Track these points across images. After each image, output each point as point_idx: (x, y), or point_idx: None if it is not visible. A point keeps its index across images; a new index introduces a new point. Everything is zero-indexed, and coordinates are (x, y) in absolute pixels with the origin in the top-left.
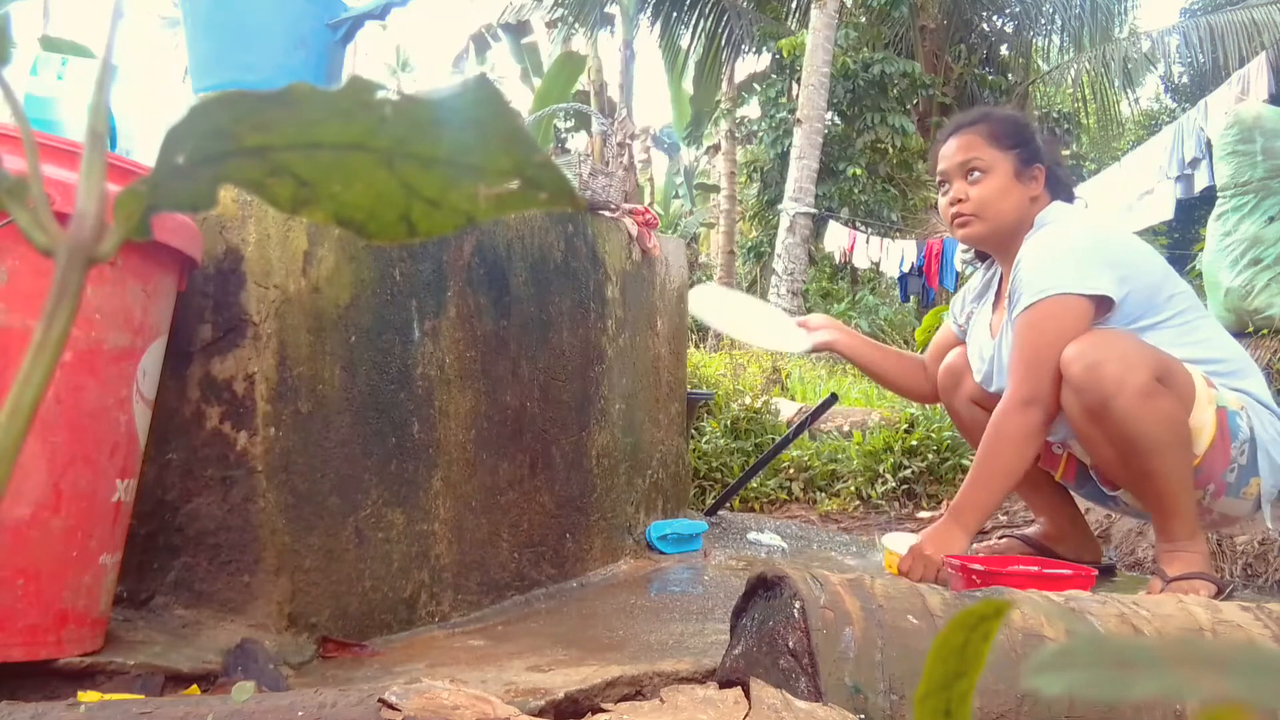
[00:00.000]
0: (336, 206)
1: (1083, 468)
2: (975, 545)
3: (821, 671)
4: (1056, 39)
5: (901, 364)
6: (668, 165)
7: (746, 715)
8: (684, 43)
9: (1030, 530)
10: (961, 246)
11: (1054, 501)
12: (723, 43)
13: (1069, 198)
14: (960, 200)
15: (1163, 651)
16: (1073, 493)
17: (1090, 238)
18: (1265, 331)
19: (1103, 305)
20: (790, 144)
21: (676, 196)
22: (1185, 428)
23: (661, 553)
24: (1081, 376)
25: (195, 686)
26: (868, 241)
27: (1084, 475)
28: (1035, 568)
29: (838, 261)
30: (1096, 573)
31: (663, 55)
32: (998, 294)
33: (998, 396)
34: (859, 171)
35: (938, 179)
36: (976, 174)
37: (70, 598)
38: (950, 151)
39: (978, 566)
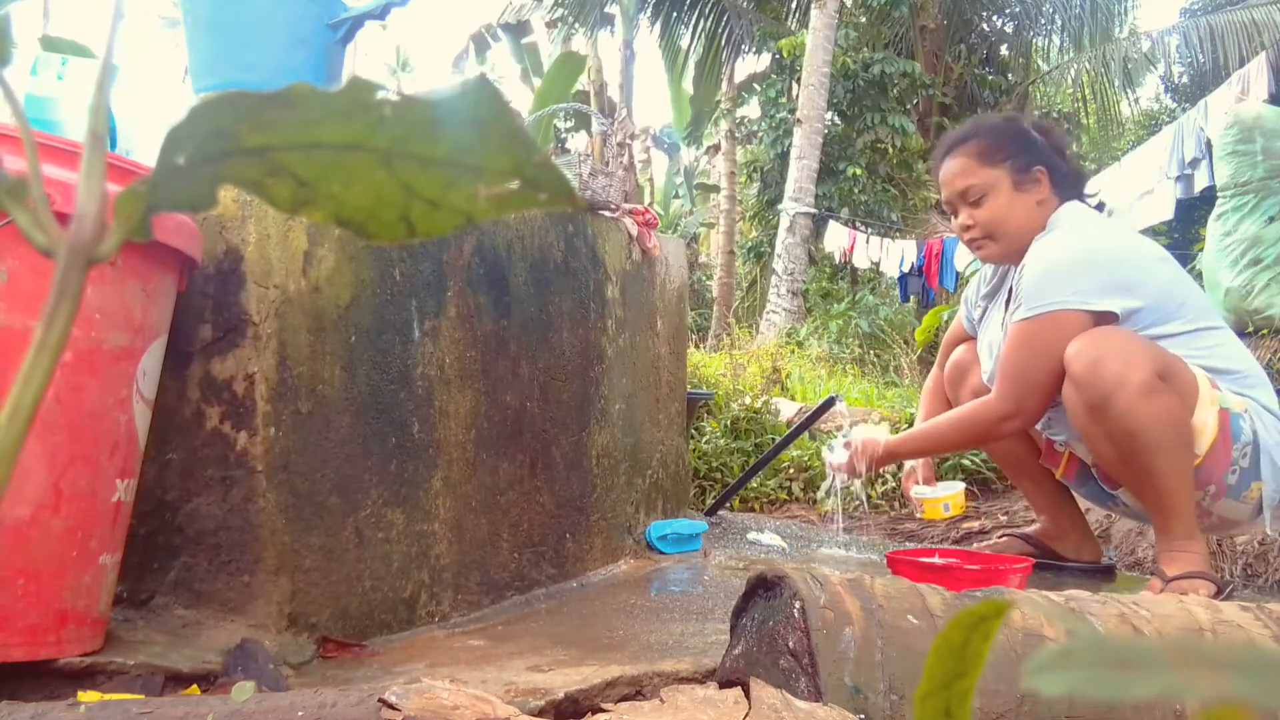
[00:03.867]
0: (336, 207)
1: (1084, 467)
2: (976, 545)
3: (821, 671)
4: (1056, 39)
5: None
6: (668, 165)
7: (746, 715)
8: (684, 43)
9: (1030, 529)
10: (966, 249)
11: (1055, 500)
12: (723, 43)
13: (1079, 193)
14: (969, 226)
15: (1163, 651)
16: (1073, 491)
17: (1098, 251)
18: (1265, 331)
19: (1106, 319)
20: (790, 144)
21: (676, 196)
22: (1186, 426)
23: (661, 553)
24: (1083, 373)
25: (195, 686)
26: (868, 241)
27: (1085, 474)
28: (955, 560)
29: (838, 261)
30: (1023, 568)
31: (663, 55)
32: (1010, 292)
33: None
34: (859, 171)
35: (944, 204)
36: (977, 197)
37: (70, 598)
38: (948, 178)
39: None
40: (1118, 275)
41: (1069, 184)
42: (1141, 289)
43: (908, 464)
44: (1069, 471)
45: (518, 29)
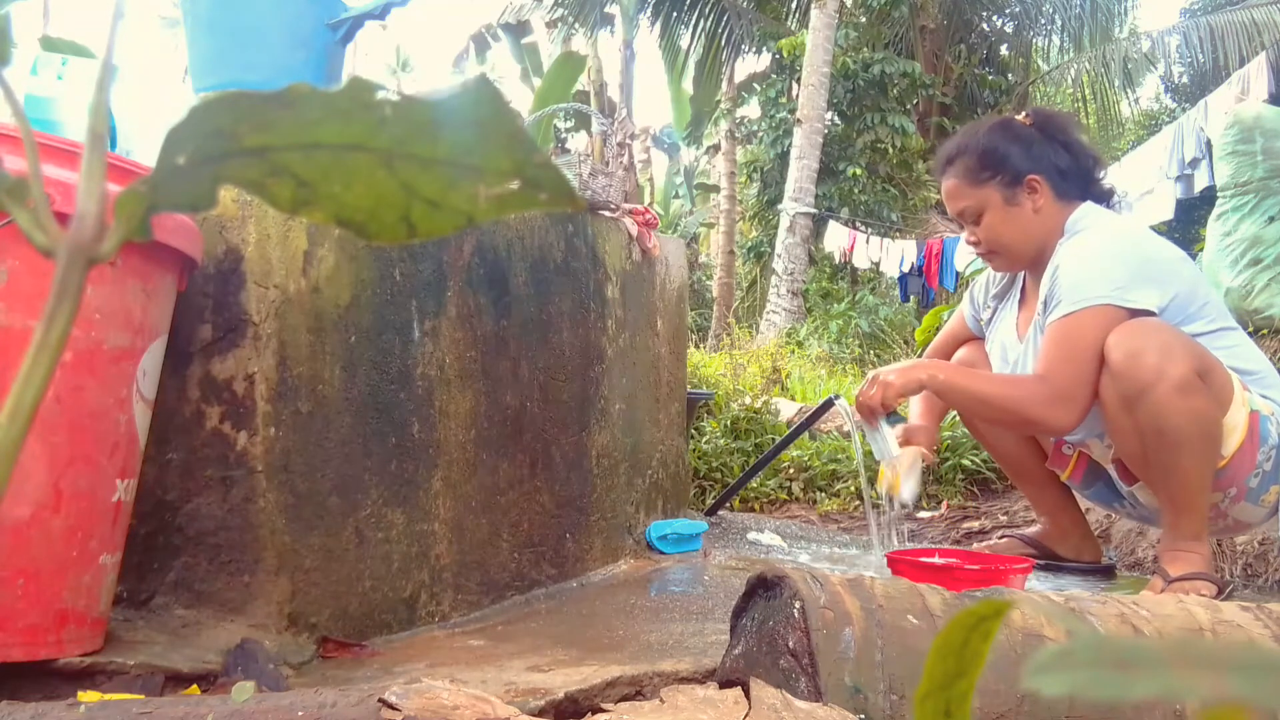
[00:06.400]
0: (336, 207)
1: (1091, 468)
2: (976, 545)
3: (821, 671)
4: (1056, 39)
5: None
6: (668, 165)
7: (746, 715)
8: (684, 43)
9: (1031, 530)
10: (966, 248)
11: (1058, 502)
12: (723, 43)
13: (1092, 189)
14: (975, 242)
15: (1163, 651)
16: (1078, 494)
17: (1132, 249)
18: (1265, 331)
19: (1141, 315)
20: (790, 144)
21: (676, 196)
22: (1217, 426)
23: (661, 553)
24: (1121, 364)
25: (195, 686)
26: (868, 241)
27: (1092, 476)
28: (956, 560)
29: (838, 261)
30: (1024, 569)
31: (663, 55)
32: (1023, 294)
33: None
34: (859, 171)
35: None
36: (973, 215)
37: (70, 598)
38: (946, 197)
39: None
40: (1150, 272)
41: (1077, 181)
42: (1170, 287)
43: (913, 415)
44: (1076, 474)
45: (518, 29)
